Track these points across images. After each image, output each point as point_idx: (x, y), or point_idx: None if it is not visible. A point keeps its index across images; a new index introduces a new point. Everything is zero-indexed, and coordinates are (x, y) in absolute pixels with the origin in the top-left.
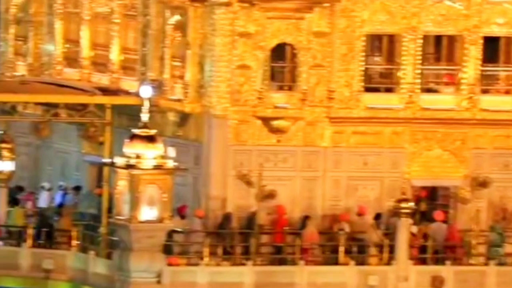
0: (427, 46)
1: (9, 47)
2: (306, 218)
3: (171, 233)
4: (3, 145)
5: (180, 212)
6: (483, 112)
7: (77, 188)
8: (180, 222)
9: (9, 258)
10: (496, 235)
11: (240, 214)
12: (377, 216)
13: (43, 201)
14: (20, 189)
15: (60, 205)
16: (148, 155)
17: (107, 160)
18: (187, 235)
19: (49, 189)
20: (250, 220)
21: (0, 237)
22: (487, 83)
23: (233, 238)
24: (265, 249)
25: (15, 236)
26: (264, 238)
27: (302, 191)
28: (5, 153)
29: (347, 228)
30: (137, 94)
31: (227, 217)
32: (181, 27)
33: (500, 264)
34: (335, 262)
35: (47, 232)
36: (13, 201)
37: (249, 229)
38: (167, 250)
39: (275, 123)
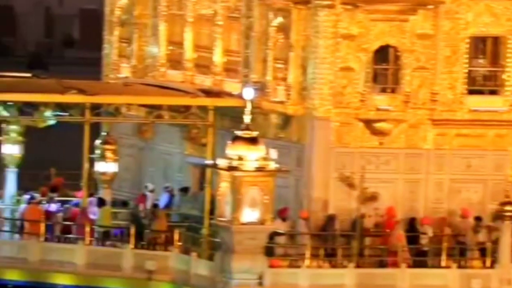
0: None
1: (113, 49)
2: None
3: (273, 235)
4: (107, 146)
5: (282, 215)
6: None
7: (184, 190)
8: (281, 224)
9: (112, 259)
10: None
11: (342, 216)
12: (478, 219)
13: (147, 202)
14: (124, 204)
15: (166, 206)
16: (250, 157)
17: (209, 161)
18: (291, 237)
19: (152, 191)
20: (356, 223)
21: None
22: None
23: (336, 240)
24: (370, 252)
25: (102, 236)
26: (368, 241)
27: (404, 193)
28: (109, 154)
29: (430, 232)
30: (239, 96)
31: (331, 219)
32: (284, 29)
33: None
34: (438, 265)
35: (137, 233)
36: (100, 202)
37: (355, 231)
38: (268, 252)
39: (378, 125)
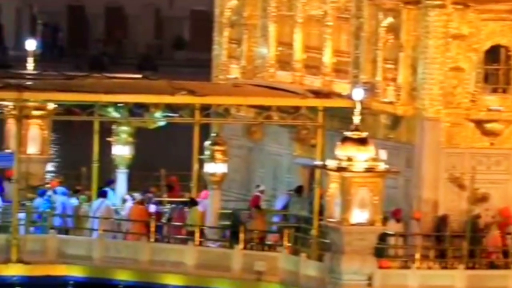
0: None
1: (223, 50)
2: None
3: (384, 236)
4: (216, 147)
5: (395, 216)
6: None
7: (298, 190)
8: (395, 225)
9: (221, 260)
10: None
11: (452, 217)
12: None
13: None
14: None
15: (284, 208)
16: (360, 157)
17: (318, 162)
18: (405, 238)
19: (262, 191)
20: (470, 224)
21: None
22: None
23: (449, 241)
24: (482, 253)
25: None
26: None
27: None
28: (218, 155)
29: None
30: (349, 97)
31: (443, 220)
32: (394, 29)
33: None
34: None
35: (233, 232)
36: (192, 202)
37: (471, 232)
38: (378, 253)
39: (489, 126)
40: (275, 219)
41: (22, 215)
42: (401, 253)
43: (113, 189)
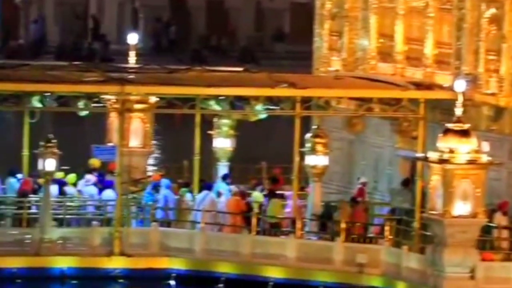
0: None
1: (323, 42)
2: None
3: (488, 229)
4: (317, 139)
5: (502, 208)
6: None
7: (405, 182)
8: (502, 218)
9: (322, 252)
10: None
11: None
12: None
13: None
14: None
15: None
16: (462, 149)
17: (420, 154)
18: (510, 231)
19: (364, 183)
20: None
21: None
22: None
23: None
24: None
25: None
26: None
27: None
28: (319, 148)
29: None
30: (451, 89)
31: None
32: (496, 20)
33: None
34: None
35: (322, 224)
36: (271, 194)
37: None
38: (482, 245)
39: None
40: (384, 211)
41: (133, 208)
42: (504, 245)
43: (228, 183)
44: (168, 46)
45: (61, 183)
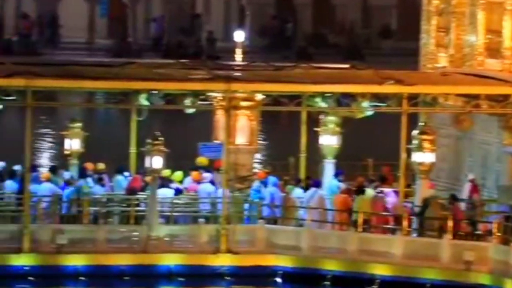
0: None
1: (430, 39)
2: None
3: None
4: (424, 136)
5: None
6: None
7: None
8: None
9: (429, 250)
10: None
11: None
12: None
13: (465, 192)
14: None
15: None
16: None
17: None
18: None
19: (472, 180)
20: None
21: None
22: None
23: None
24: None
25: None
26: None
27: None
28: (426, 145)
29: None
30: None
31: None
32: None
33: None
34: None
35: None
36: (359, 191)
37: None
38: None
39: None
40: (502, 208)
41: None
42: None
43: (340, 180)
44: (282, 43)
45: (167, 181)
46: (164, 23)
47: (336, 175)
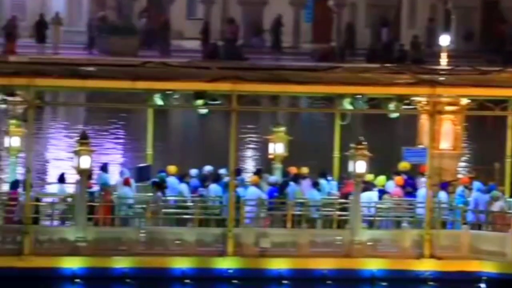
0: None
1: None
2: None
3: None
4: None
5: None
6: None
7: None
8: None
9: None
10: None
11: None
12: None
13: None
14: None
15: None
16: None
17: None
18: None
19: None
20: None
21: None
22: None
23: None
24: None
25: None
26: None
27: None
28: None
29: None
30: None
31: None
32: None
33: None
34: None
35: None
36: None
37: None
38: None
39: None
40: None
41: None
42: None
43: None
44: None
45: (370, 185)
46: (390, 31)
47: None
